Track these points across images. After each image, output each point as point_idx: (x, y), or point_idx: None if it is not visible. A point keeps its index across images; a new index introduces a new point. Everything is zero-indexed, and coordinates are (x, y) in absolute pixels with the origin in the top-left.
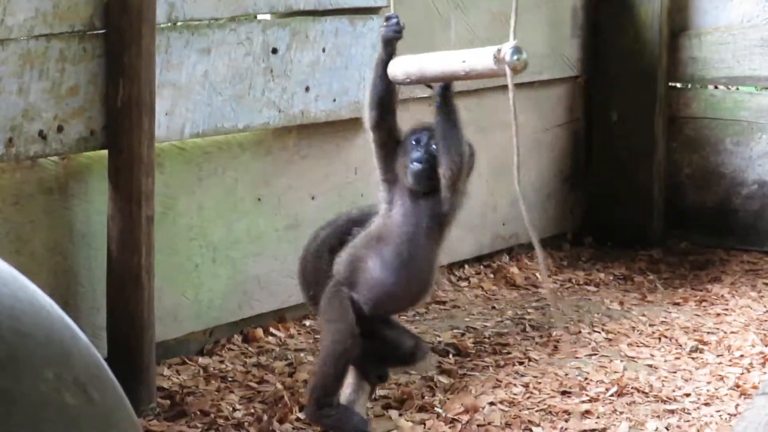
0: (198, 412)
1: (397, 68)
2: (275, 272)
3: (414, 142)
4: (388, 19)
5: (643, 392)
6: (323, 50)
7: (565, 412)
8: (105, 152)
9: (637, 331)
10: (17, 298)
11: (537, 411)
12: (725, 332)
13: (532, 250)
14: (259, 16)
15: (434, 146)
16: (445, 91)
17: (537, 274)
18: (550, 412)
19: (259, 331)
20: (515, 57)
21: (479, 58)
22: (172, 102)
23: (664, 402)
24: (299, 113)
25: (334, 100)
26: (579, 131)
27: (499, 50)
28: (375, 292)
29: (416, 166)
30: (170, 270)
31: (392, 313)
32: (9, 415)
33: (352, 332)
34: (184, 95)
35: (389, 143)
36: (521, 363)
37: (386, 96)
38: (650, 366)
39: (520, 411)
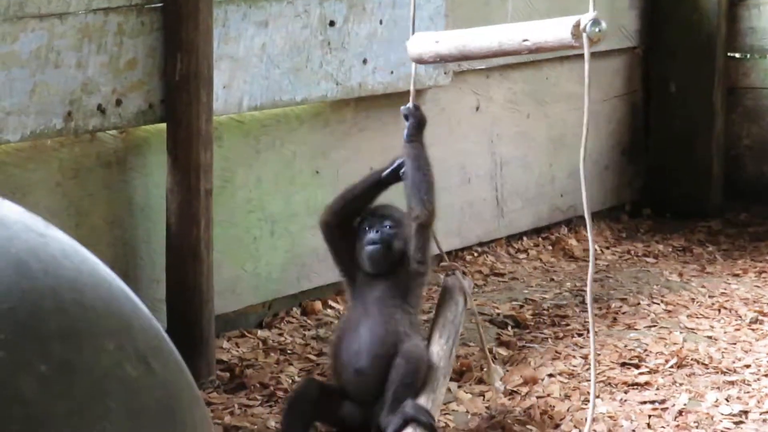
0: (257, 385)
1: (424, 46)
2: None
3: (367, 228)
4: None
5: (703, 364)
6: (380, 22)
7: (625, 383)
8: (163, 126)
9: (697, 302)
10: (79, 270)
11: (596, 382)
12: None
13: None
14: None
15: (387, 226)
16: (416, 128)
17: (596, 246)
18: (609, 383)
19: (318, 304)
20: (595, 29)
21: (551, 31)
22: (230, 75)
23: (724, 373)
24: (357, 86)
25: (392, 72)
26: (637, 102)
27: (578, 22)
28: (347, 379)
29: (371, 248)
30: (229, 243)
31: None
32: (71, 386)
33: None
34: (242, 68)
35: (342, 242)
36: (580, 335)
37: (360, 206)
38: (710, 337)
39: (579, 383)
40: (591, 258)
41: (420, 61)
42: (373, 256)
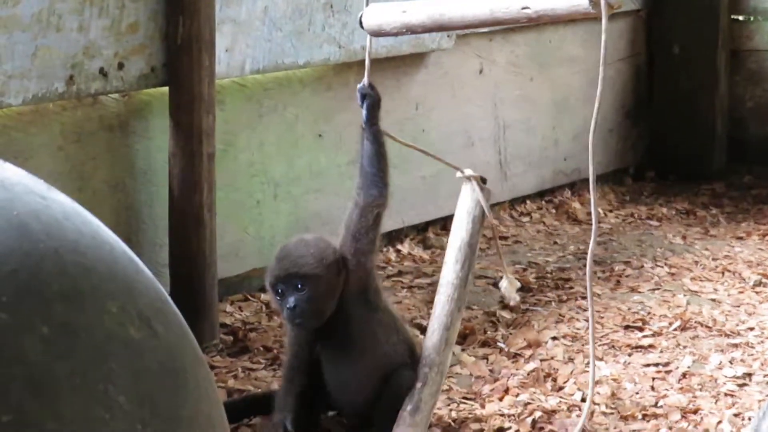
0: (261, 348)
1: (386, 17)
2: (336, 208)
3: (279, 297)
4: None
5: (707, 326)
6: None
7: (628, 346)
8: (166, 89)
9: (700, 265)
10: (81, 232)
11: (600, 345)
12: None
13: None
14: None
15: (299, 287)
16: (376, 109)
17: (599, 209)
18: (613, 346)
19: None
20: None
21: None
22: (232, 38)
23: (728, 336)
24: (360, 49)
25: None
26: (641, 65)
27: None
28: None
29: (296, 320)
30: (232, 207)
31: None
32: (73, 347)
33: None
34: (244, 31)
35: None
36: (583, 298)
37: None
38: (713, 300)
39: (582, 346)
40: (594, 226)
41: (379, 34)
42: (296, 323)
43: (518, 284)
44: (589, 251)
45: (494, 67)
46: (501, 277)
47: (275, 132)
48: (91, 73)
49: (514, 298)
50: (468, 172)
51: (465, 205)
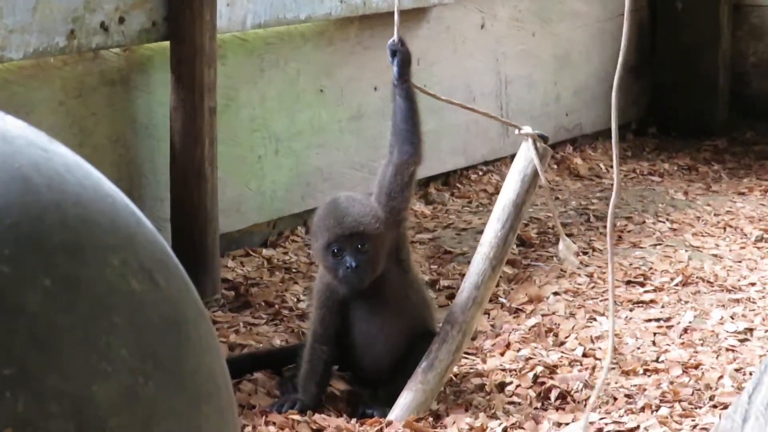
0: (262, 303)
1: None
2: (338, 163)
3: (336, 251)
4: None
5: (708, 282)
6: None
7: (630, 301)
8: (167, 44)
9: (702, 221)
10: (82, 185)
11: (601, 301)
12: None
13: (596, 141)
14: None
15: (360, 246)
16: (407, 66)
17: (601, 164)
18: (615, 301)
19: None
20: None
21: None
22: None
23: (729, 291)
24: (361, 3)
25: None
26: (643, 20)
27: None
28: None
29: (350, 277)
30: (233, 161)
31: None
32: (75, 300)
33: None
34: None
35: None
36: (585, 253)
37: None
38: (715, 256)
39: (584, 301)
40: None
41: None
42: (353, 284)
43: (575, 248)
44: (610, 210)
45: (496, 21)
46: (558, 241)
47: (276, 87)
48: (92, 28)
49: (572, 262)
50: (526, 129)
51: (518, 164)
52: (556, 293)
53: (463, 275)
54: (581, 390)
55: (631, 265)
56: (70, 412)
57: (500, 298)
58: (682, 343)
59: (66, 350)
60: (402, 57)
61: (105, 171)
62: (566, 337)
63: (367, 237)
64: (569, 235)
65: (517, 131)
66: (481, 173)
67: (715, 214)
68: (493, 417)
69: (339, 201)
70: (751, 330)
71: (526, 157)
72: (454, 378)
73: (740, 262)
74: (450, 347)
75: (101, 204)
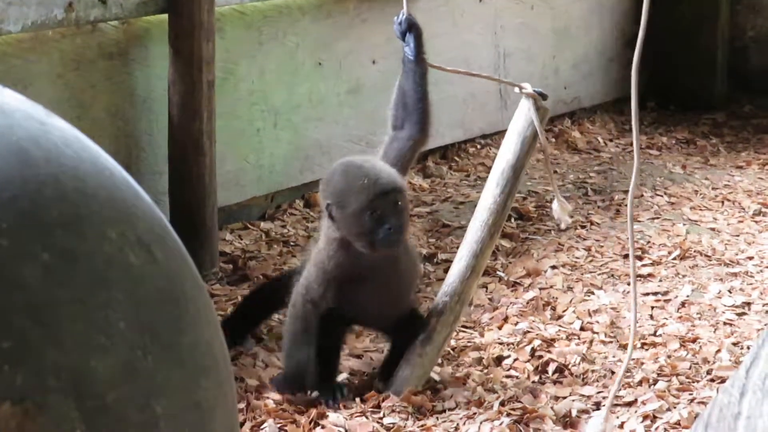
0: (260, 276)
1: None
2: (336, 136)
3: (379, 215)
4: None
5: (706, 255)
6: None
7: (627, 275)
8: (165, 17)
9: (700, 194)
10: (80, 158)
11: (599, 274)
12: None
13: (594, 114)
14: None
15: (401, 207)
16: (422, 45)
17: (599, 138)
18: (612, 275)
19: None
20: None
21: None
22: None
23: (727, 265)
24: None
25: None
26: None
27: None
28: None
29: (393, 238)
30: (232, 135)
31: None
32: (73, 274)
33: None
34: None
35: None
36: (583, 227)
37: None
38: (713, 229)
39: (582, 274)
40: (635, 163)
41: None
42: (395, 245)
43: (570, 207)
44: (631, 188)
45: None
46: (552, 200)
47: (275, 60)
48: (90, 0)
49: (566, 221)
50: (527, 88)
51: (517, 125)
52: (553, 267)
53: None
54: (579, 363)
55: (628, 238)
56: (69, 386)
57: (498, 272)
58: (680, 317)
59: (64, 324)
60: (417, 32)
61: (103, 144)
62: (564, 311)
63: (402, 193)
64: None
65: (517, 89)
66: (479, 146)
67: (713, 188)
68: (491, 390)
69: (359, 163)
70: (748, 304)
71: (525, 117)
72: (451, 351)
73: (738, 235)
74: (447, 319)
75: (99, 177)
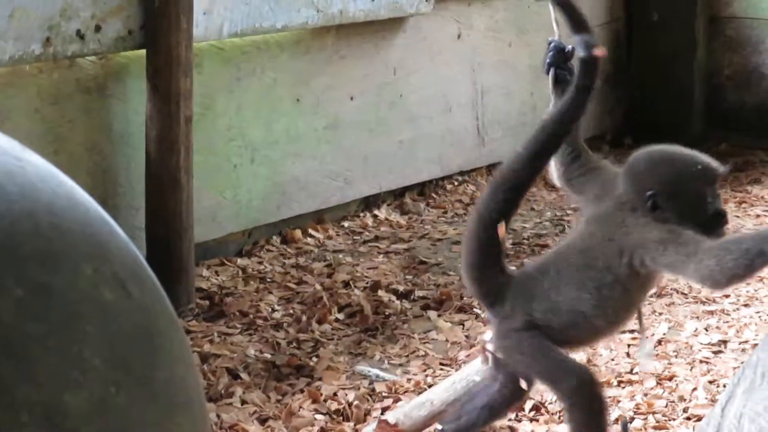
0: (237, 313)
1: None
2: (314, 172)
3: (710, 198)
4: (548, 45)
5: (683, 293)
6: None
7: None
8: (143, 52)
9: None
10: (56, 193)
11: None
12: None
13: None
14: None
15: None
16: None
17: None
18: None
19: (298, 232)
20: None
21: None
22: (211, 1)
23: (704, 303)
24: (338, 13)
25: None
26: (619, 31)
27: None
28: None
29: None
30: (209, 170)
31: None
32: (47, 309)
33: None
34: None
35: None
36: None
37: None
38: None
39: None
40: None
41: None
42: (724, 231)
43: (654, 351)
44: None
45: (473, 31)
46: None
47: (253, 96)
48: (68, 35)
49: (646, 366)
50: None
51: None
52: None
53: (438, 285)
54: (555, 401)
55: None
56: (42, 422)
57: (475, 309)
58: (657, 355)
59: (38, 359)
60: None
61: (80, 179)
62: None
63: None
64: (544, 246)
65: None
66: (456, 183)
67: None
68: None
69: (676, 150)
70: (725, 342)
71: None
72: (428, 389)
73: None
74: None
75: (74, 213)
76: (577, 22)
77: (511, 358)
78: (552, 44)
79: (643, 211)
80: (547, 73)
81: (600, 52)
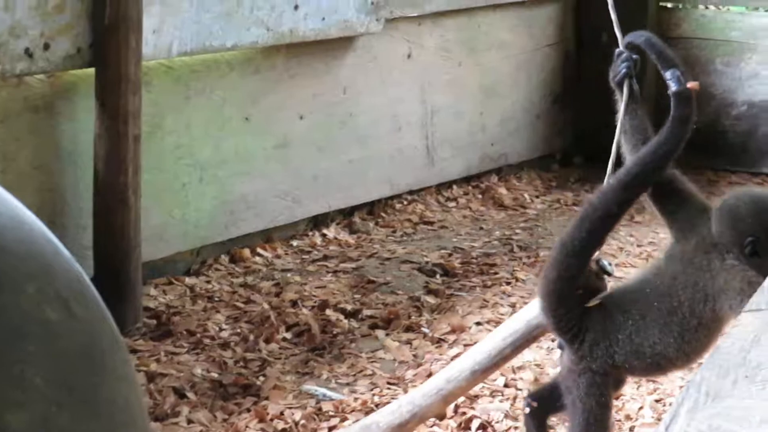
0: (184, 332)
1: None
2: (263, 192)
3: None
4: (618, 56)
5: None
6: None
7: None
8: (92, 70)
9: (625, 251)
10: None
11: None
12: None
13: (521, 171)
14: None
15: None
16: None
17: (525, 194)
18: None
19: (246, 251)
20: None
21: None
22: (160, 19)
23: None
24: (288, 32)
25: (323, 18)
26: (569, 51)
27: None
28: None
29: None
30: (157, 189)
31: None
32: None
33: None
34: (172, 13)
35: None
36: (508, 283)
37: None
38: None
39: None
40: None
41: None
42: None
43: None
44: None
45: (423, 51)
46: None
47: (202, 114)
48: (16, 54)
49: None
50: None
51: None
52: (478, 323)
53: (386, 305)
54: (502, 420)
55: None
56: None
57: (423, 328)
58: None
59: None
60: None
61: (28, 198)
62: None
63: None
64: (492, 266)
65: None
66: (405, 202)
67: (638, 245)
68: None
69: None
70: None
71: None
72: (374, 408)
73: None
74: None
75: (17, 232)
76: (665, 59)
77: (569, 392)
78: (624, 55)
79: (738, 255)
80: (620, 86)
81: (693, 85)
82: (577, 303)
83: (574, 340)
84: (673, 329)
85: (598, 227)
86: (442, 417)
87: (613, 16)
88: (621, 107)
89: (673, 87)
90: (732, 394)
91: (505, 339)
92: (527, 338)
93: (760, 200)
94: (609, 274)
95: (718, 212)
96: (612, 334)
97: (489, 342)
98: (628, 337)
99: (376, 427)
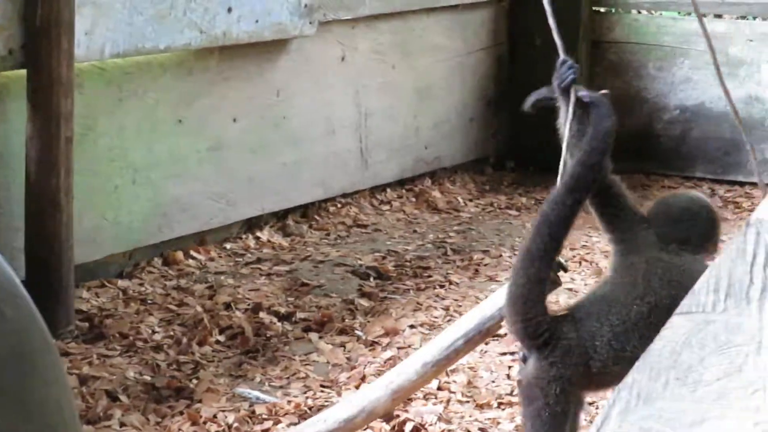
0: (117, 335)
1: None
2: (196, 194)
3: None
4: (562, 63)
5: None
6: None
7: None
8: (23, 72)
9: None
10: None
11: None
12: None
13: (454, 174)
14: None
15: None
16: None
17: (459, 198)
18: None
19: (179, 254)
20: None
21: None
22: (93, 21)
23: None
24: (221, 34)
25: (257, 21)
26: (503, 55)
27: None
28: None
29: None
30: (90, 191)
31: None
32: None
33: None
34: (105, 14)
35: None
36: (442, 286)
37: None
38: (570, 289)
39: (440, 334)
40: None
41: None
42: None
43: None
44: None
45: (357, 54)
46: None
47: (135, 117)
48: None
49: None
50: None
51: None
52: (412, 326)
53: (320, 307)
54: (435, 423)
55: (487, 298)
56: None
57: (356, 331)
58: None
59: None
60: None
61: None
62: None
63: None
64: (426, 269)
65: None
66: (339, 205)
67: (570, 248)
68: None
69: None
70: None
71: None
72: (308, 411)
73: None
74: None
75: None
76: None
77: (531, 402)
78: (568, 62)
79: (689, 249)
80: (566, 91)
81: (604, 92)
82: (545, 309)
83: (544, 346)
84: (658, 328)
85: (557, 230)
86: (390, 416)
87: (552, 22)
88: (569, 112)
89: (585, 99)
90: (663, 396)
91: (457, 333)
92: (480, 331)
93: (691, 200)
94: (565, 270)
95: (655, 214)
96: (588, 342)
97: (443, 336)
98: (607, 344)
99: (323, 424)
